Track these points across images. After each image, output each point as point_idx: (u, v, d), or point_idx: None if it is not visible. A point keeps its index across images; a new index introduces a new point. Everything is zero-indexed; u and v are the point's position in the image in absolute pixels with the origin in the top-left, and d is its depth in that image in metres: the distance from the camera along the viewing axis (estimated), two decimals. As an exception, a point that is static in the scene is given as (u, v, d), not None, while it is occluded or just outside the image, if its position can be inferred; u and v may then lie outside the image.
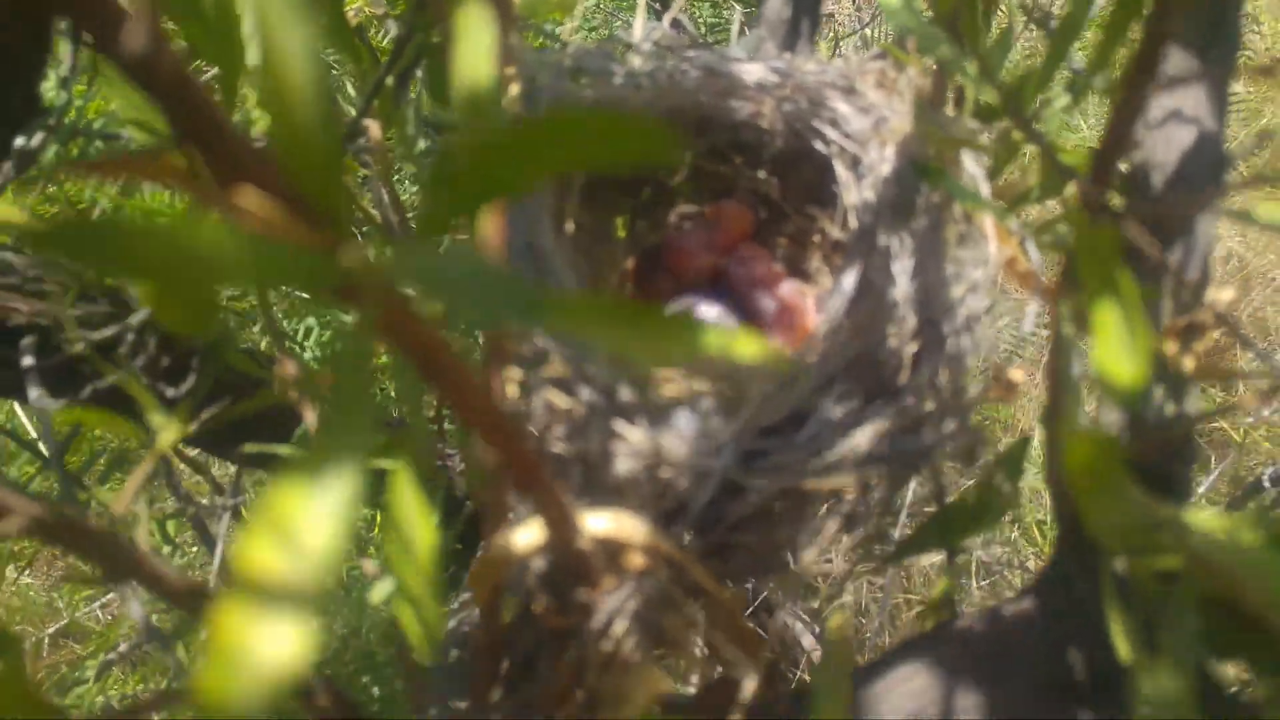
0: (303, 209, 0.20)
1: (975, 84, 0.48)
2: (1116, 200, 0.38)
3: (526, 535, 0.44)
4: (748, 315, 0.63)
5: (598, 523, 0.45)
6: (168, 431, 0.63)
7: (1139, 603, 0.32)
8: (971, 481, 0.55)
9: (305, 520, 0.16)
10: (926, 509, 0.58)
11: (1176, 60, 0.47)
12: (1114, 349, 0.30)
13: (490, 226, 0.43)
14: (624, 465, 0.48)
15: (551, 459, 0.48)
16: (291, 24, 0.18)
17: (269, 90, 0.18)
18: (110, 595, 1.63)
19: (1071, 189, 0.39)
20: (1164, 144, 0.50)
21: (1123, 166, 0.51)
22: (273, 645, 0.14)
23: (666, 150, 0.18)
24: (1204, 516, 0.35)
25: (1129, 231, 0.36)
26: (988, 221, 0.53)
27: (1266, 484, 1.42)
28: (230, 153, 0.23)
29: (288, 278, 0.19)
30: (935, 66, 0.57)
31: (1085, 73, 0.58)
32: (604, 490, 0.48)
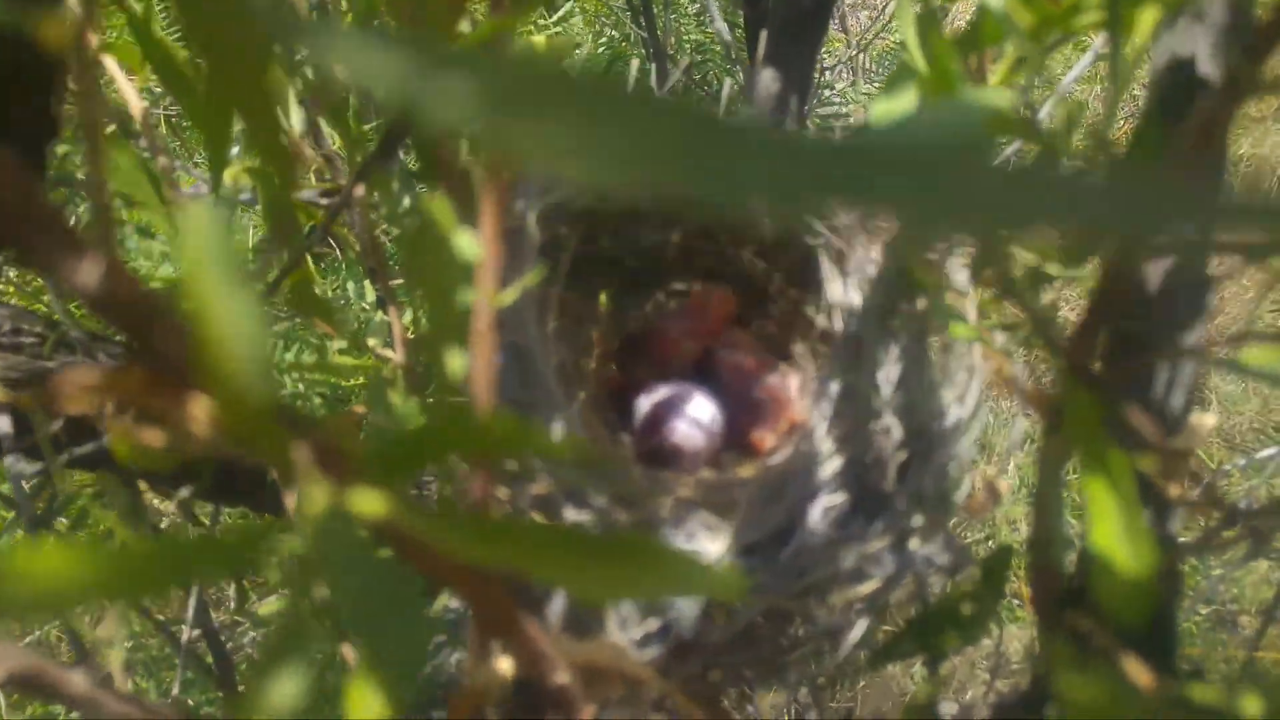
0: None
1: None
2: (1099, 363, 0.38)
3: (505, 668, 0.44)
4: (733, 404, 0.63)
5: (577, 651, 0.45)
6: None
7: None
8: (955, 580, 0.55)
9: None
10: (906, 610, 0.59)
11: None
12: (1116, 543, 0.30)
13: (482, 343, 0.43)
14: (608, 586, 0.48)
15: (530, 586, 0.48)
16: (228, 291, 0.18)
17: (204, 349, 0.18)
18: None
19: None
20: (1149, 264, 0.51)
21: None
22: None
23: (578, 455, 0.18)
24: (1200, 690, 0.36)
25: (1116, 403, 0.37)
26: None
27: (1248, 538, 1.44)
28: (185, 375, 0.23)
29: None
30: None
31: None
32: (588, 613, 0.48)
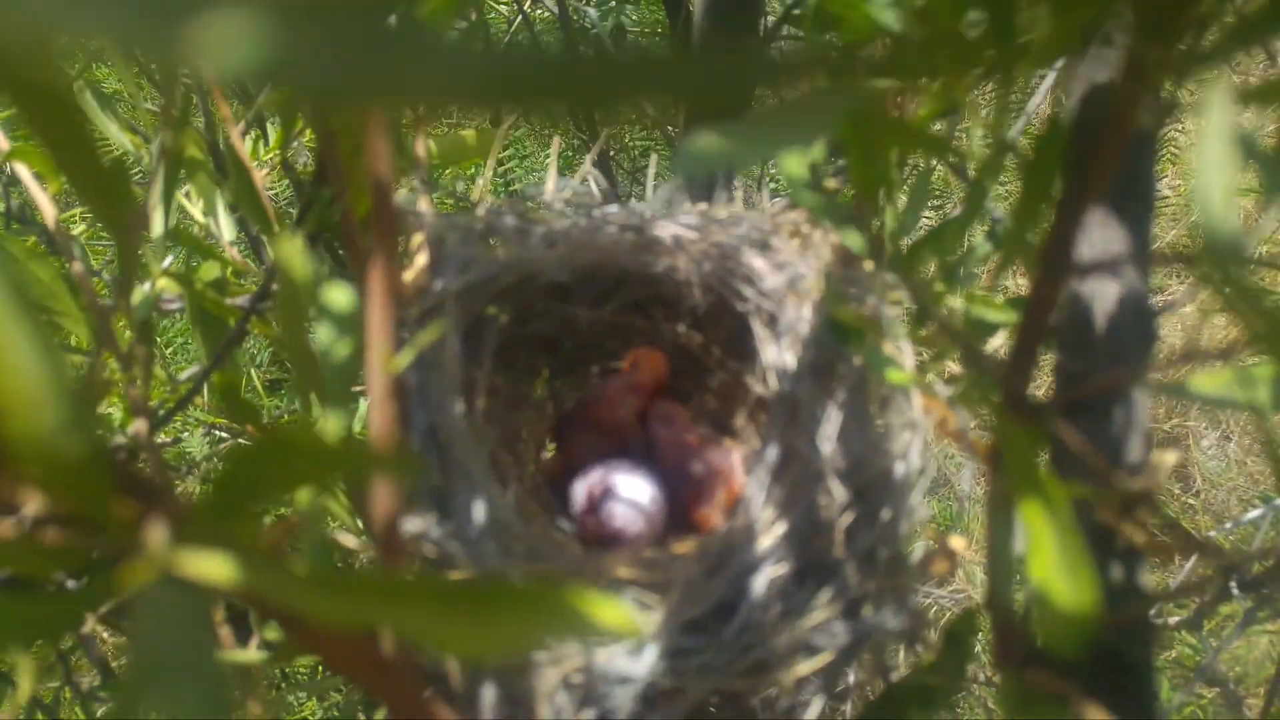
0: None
1: (890, 246, 0.47)
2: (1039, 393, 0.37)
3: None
4: (674, 482, 0.61)
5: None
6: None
7: None
8: (918, 654, 0.52)
9: None
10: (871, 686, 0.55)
11: (1095, 228, 0.48)
12: (1054, 574, 0.28)
13: (379, 410, 0.40)
14: (538, 677, 0.44)
15: (451, 680, 0.44)
16: (23, 335, 0.16)
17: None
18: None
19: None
20: (1090, 297, 0.50)
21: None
22: None
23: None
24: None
25: (1056, 430, 0.35)
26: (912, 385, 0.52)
27: (1235, 591, 1.41)
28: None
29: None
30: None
31: (1007, 224, 0.59)
32: (519, 704, 0.44)
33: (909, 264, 0.49)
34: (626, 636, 0.22)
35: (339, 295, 0.33)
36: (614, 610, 0.21)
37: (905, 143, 0.37)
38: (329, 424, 0.31)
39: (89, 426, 0.19)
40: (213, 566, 0.21)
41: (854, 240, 0.40)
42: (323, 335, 0.36)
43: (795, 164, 0.45)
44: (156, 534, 0.22)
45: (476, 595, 0.21)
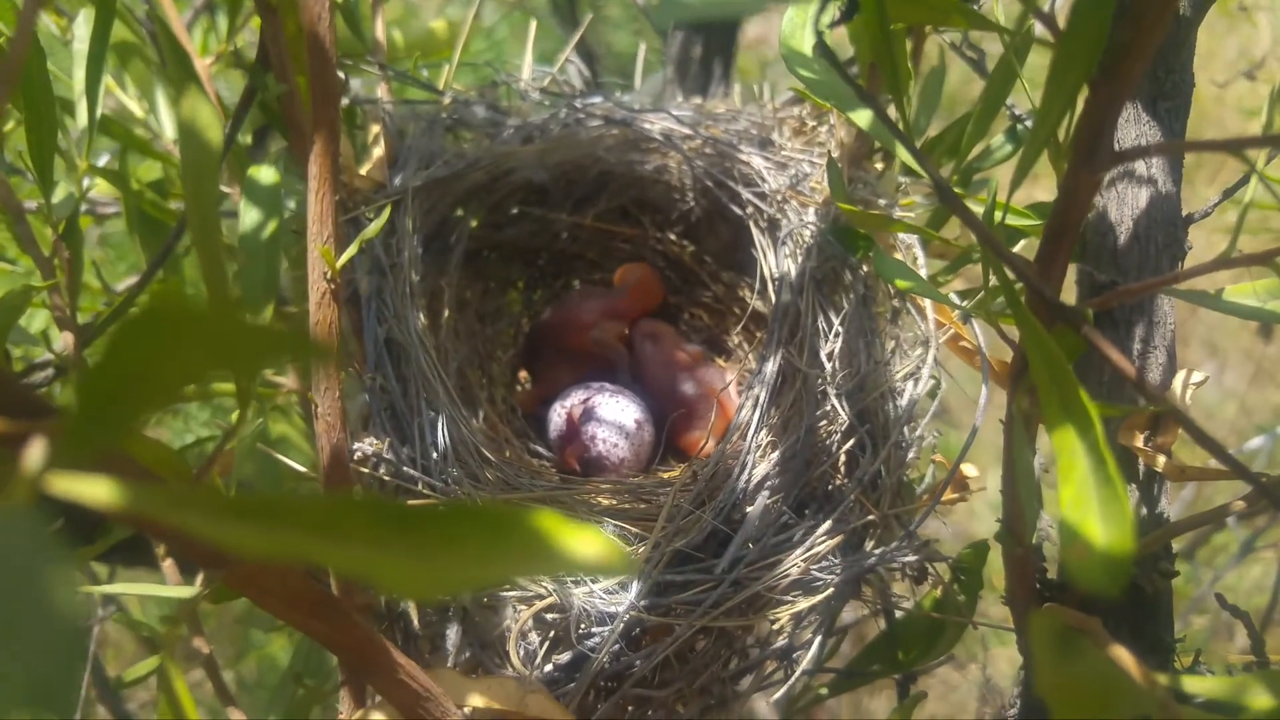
0: None
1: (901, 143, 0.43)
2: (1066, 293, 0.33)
3: (383, 716, 0.38)
4: (659, 402, 0.57)
5: (474, 693, 0.38)
6: None
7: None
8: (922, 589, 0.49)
9: None
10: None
11: (1125, 124, 0.43)
12: (1085, 505, 0.24)
13: (319, 313, 0.36)
14: (508, 616, 0.41)
15: (411, 620, 0.41)
16: None
17: None
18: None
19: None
20: (1117, 204, 0.46)
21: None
22: None
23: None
24: (1199, 682, 0.30)
25: (1085, 334, 0.31)
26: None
27: (1230, 522, 1.41)
28: None
29: None
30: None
31: (1029, 119, 0.54)
32: (487, 646, 0.41)
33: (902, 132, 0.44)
34: (608, 571, 0.18)
35: (264, 173, 0.28)
36: (593, 540, 0.17)
37: (933, 14, 0.32)
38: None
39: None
40: (91, 489, 0.17)
41: (864, 119, 0.36)
42: (247, 217, 0.31)
43: (799, 36, 0.40)
44: (33, 454, 0.18)
45: (428, 521, 0.17)
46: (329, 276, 0.34)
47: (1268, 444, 1.31)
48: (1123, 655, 0.31)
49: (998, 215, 0.47)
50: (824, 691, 0.50)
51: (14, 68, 0.22)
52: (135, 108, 0.70)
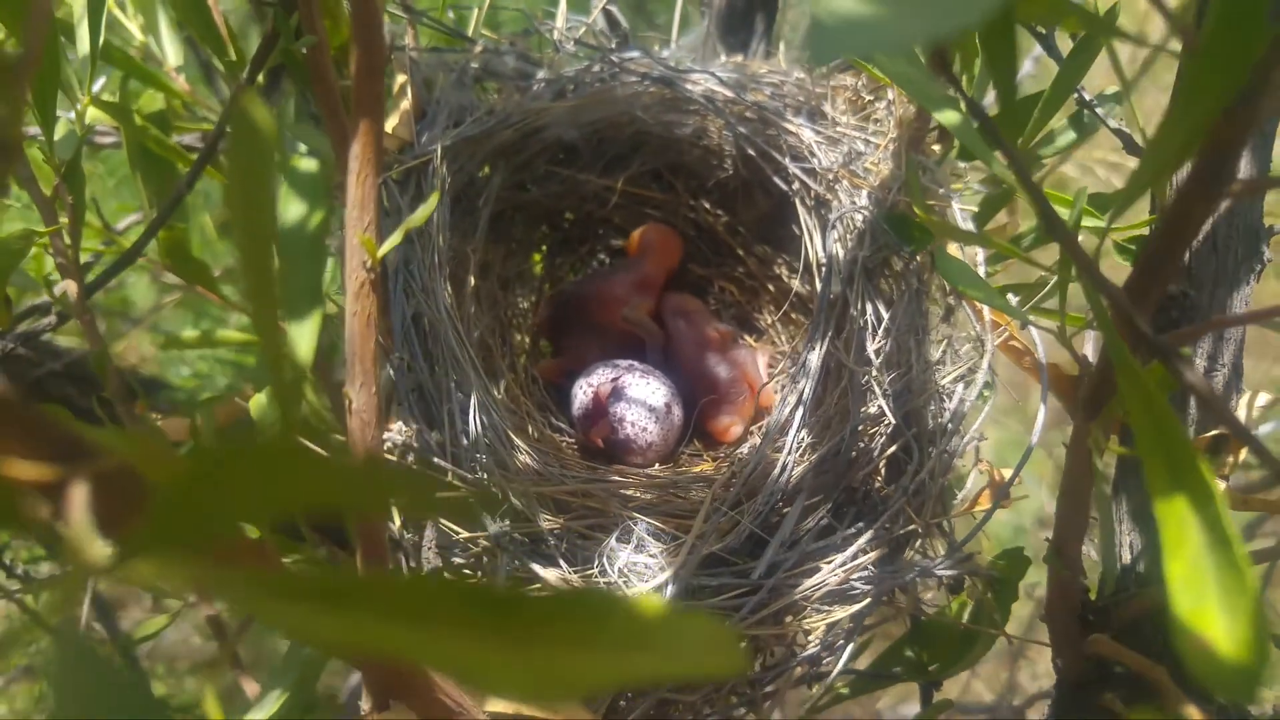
0: None
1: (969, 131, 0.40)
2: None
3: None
4: (688, 383, 0.55)
5: (502, 701, 0.37)
6: None
7: None
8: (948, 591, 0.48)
9: None
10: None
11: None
12: (1200, 590, 0.23)
13: (356, 305, 0.34)
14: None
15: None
16: None
17: None
18: None
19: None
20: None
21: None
22: None
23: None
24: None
25: (1177, 367, 0.29)
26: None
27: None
28: None
29: None
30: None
31: (1098, 105, 0.51)
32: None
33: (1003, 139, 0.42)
34: (718, 671, 0.17)
35: (305, 162, 0.26)
36: (706, 630, 0.16)
37: (1052, 13, 0.29)
38: (297, 341, 0.24)
39: None
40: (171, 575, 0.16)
41: (932, 99, 0.33)
42: (288, 211, 0.29)
43: None
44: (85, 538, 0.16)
45: (527, 608, 0.16)
46: (369, 265, 0.31)
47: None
48: (1194, 716, 0.30)
49: (1101, 241, 0.44)
50: (845, 691, 0.49)
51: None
52: (136, 31, 0.66)
